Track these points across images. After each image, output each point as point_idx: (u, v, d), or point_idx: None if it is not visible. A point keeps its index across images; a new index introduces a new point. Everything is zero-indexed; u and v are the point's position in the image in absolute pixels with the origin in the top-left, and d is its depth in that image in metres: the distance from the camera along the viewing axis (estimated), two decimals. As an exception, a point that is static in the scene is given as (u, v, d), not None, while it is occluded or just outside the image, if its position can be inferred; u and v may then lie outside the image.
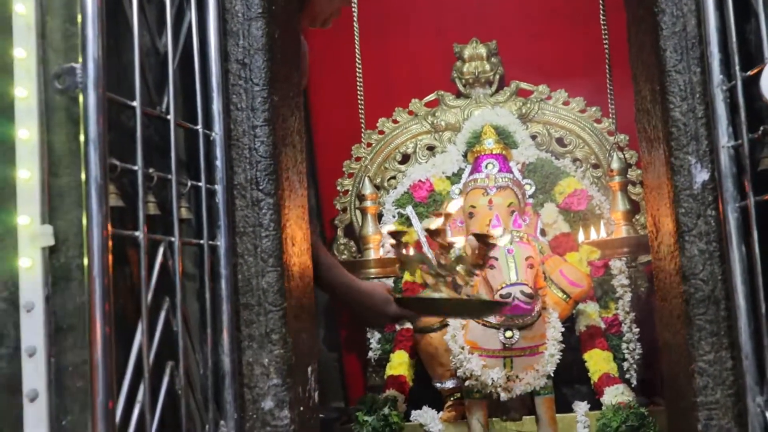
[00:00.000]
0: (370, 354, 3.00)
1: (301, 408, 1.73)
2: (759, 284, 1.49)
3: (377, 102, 3.17)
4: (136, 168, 1.41)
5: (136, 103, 1.42)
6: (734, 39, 1.53)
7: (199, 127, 1.62)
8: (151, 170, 1.46)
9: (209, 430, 1.56)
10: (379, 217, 3.06)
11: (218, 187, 1.65)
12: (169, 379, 1.47)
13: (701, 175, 1.60)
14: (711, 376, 1.59)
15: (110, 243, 1.27)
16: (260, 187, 1.69)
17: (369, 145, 3.17)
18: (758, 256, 1.48)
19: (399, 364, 2.86)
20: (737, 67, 1.52)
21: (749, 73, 1.47)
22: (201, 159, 1.61)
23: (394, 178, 3.13)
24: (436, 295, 2.04)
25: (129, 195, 1.44)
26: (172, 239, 1.50)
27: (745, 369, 1.52)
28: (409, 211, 2.95)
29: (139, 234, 1.40)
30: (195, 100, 1.63)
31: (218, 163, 1.65)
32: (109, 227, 1.27)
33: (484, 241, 2.07)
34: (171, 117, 1.52)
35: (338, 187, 3.15)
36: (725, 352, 1.58)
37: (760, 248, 1.49)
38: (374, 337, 3.00)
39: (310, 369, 1.81)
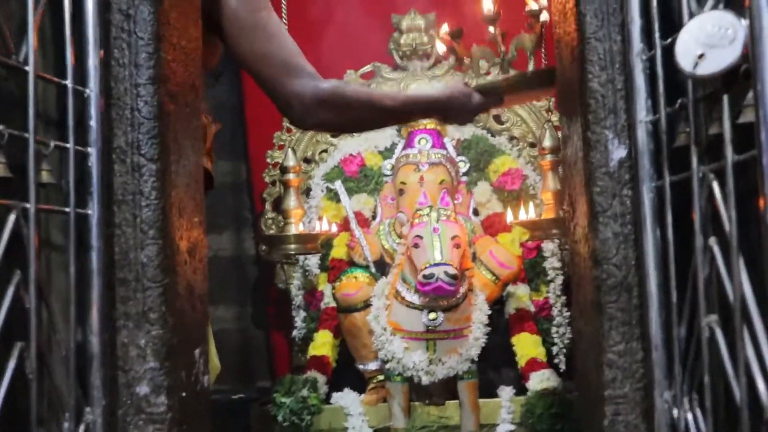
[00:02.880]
0: (295, 333, 2.85)
1: (183, 394, 1.54)
2: (671, 271, 1.33)
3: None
4: (-21, 124, 1.21)
5: (-18, 51, 1.22)
6: (654, 4, 1.37)
7: (68, 82, 1.42)
8: (1, 127, 1.26)
9: (69, 417, 1.38)
10: (308, 191, 2.89)
11: (92, 150, 1.46)
12: (17, 361, 1.28)
13: (618, 152, 1.44)
14: (620, 368, 1.44)
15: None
16: (142, 152, 1.49)
17: (301, 116, 2.98)
18: (671, 240, 1.33)
19: (322, 344, 2.71)
20: (657, 35, 1.36)
21: (668, 41, 1.31)
22: (69, 118, 1.42)
23: (325, 151, 2.96)
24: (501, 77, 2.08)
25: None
26: (27, 205, 1.31)
27: (654, 362, 1.37)
28: (338, 185, 2.78)
29: (-19, 198, 1.21)
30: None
31: (92, 123, 1.46)
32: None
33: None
34: (30, 68, 1.32)
35: (268, 160, 2.97)
36: (636, 343, 1.43)
37: (676, 232, 1.34)
38: (299, 316, 2.84)
39: (198, 352, 1.63)
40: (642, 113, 1.39)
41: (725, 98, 1.17)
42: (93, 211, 1.45)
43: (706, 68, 1.13)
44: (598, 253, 1.45)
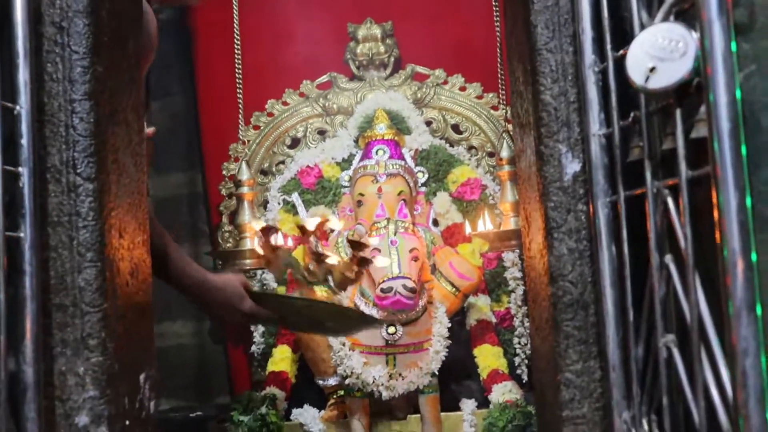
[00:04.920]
0: (254, 348, 2.77)
1: (127, 422, 1.46)
2: (627, 288, 1.29)
3: (267, 82, 2.90)
4: None
5: None
6: (606, 15, 1.32)
7: (-4, 98, 1.33)
8: None
9: (1, 453, 1.29)
10: (265, 203, 2.82)
11: (23, 170, 1.37)
12: (-59, 396, 1.19)
13: (572, 166, 1.39)
14: (578, 387, 1.39)
15: None
16: (78, 171, 1.41)
17: (257, 128, 2.91)
18: (627, 257, 1.28)
19: (281, 359, 2.64)
20: (608, 47, 1.31)
21: (620, 53, 1.26)
22: (-2, 136, 1.33)
23: (282, 163, 2.89)
24: (297, 294, 1.78)
25: None
26: (-50, 230, 1.22)
27: (612, 382, 1.32)
28: (295, 198, 2.71)
29: None
30: (-4, 67, 1.34)
31: (23, 141, 1.37)
32: None
33: (358, 247, 1.83)
34: (-48, 85, 1.24)
35: (224, 172, 2.89)
36: (594, 362, 1.38)
37: (631, 249, 1.29)
38: (258, 331, 2.76)
39: (143, 377, 1.55)
40: (595, 126, 1.34)
41: (678, 112, 1.12)
42: (25, 233, 1.36)
43: (658, 82, 1.09)
44: (554, 269, 1.40)
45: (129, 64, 1.57)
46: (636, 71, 1.11)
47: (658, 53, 1.08)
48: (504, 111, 2.85)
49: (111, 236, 1.46)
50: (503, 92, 2.79)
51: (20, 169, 1.37)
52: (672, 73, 1.07)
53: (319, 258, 1.82)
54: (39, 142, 1.40)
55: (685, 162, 1.12)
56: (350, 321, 1.91)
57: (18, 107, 1.37)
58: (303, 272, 1.81)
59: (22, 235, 1.36)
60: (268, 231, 1.92)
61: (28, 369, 1.35)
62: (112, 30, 1.50)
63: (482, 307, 2.67)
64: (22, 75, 1.38)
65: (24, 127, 1.37)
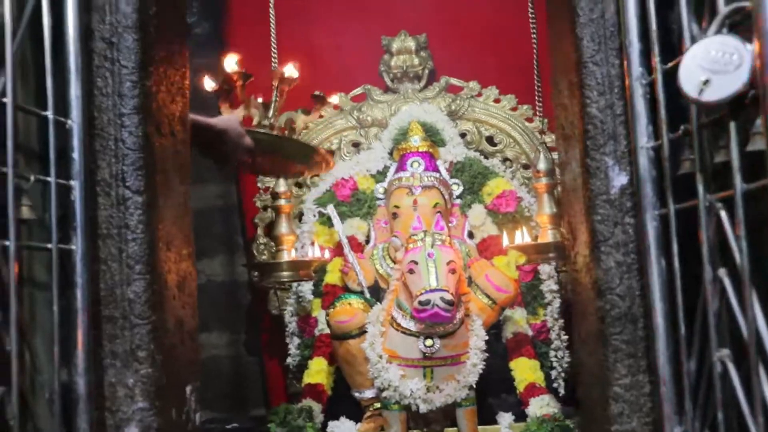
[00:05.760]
0: (289, 360, 2.77)
1: (174, 434, 1.48)
2: (679, 302, 1.28)
3: (302, 95, 2.92)
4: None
5: (-43, 83, 1.16)
6: (654, 27, 1.32)
7: (49, 113, 1.35)
8: (-22, 162, 1.20)
9: (54, 464, 1.31)
10: (300, 216, 2.83)
11: (75, 183, 1.39)
12: (-3, 408, 1.21)
13: (619, 179, 1.39)
14: (627, 402, 1.38)
15: None
16: (127, 184, 1.44)
17: (292, 140, 2.93)
18: (678, 270, 1.27)
19: (317, 371, 2.63)
20: (657, 59, 1.31)
21: (669, 65, 1.26)
22: (51, 150, 1.35)
23: (316, 175, 2.89)
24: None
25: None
26: (7, 243, 1.24)
27: (663, 396, 1.31)
28: (330, 210, 2.71)
29: (-43, 238, 1.14)
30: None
31: (75, 155, 1.39)
32: None
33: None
34: (9, 100, 1.26)
35: (259, 184, 2.91)
36: (642, 376, 1.37)
37: (682, 262, 1.28)
38: (293, 343, 2.77)
39: (189, 389, 1.56)
40: (643, 139, 1.34)
41: (732, 125, 1.11)
42: (77, 246, 1.39)
43: (712, 94, 1.08)
44: (601, 283, 1.40)
45: (175, 79, 1.60)
46: (689, 84, 1.10)
47: (712, 66, 1.08)
48: (540, 123, 2.84)
49: (159, 249, 1.48)
50: (539, 104, 2.78)
51: (72, 182, 1.39)
52: (727, 85, 1.07)
53: None
54: (89, 155, 1.42)
55: (740, 174, 1.11)
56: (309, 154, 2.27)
57: (70, 121, 1.40)
58: None
59: (73, 247, 1.39)
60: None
61: (80, 380, 1.37)
62: (159, 45, 1.53)
63: (518, 319, 2.65)
64: (74, 90, 1.41)
65: (76, 141, 1.40)
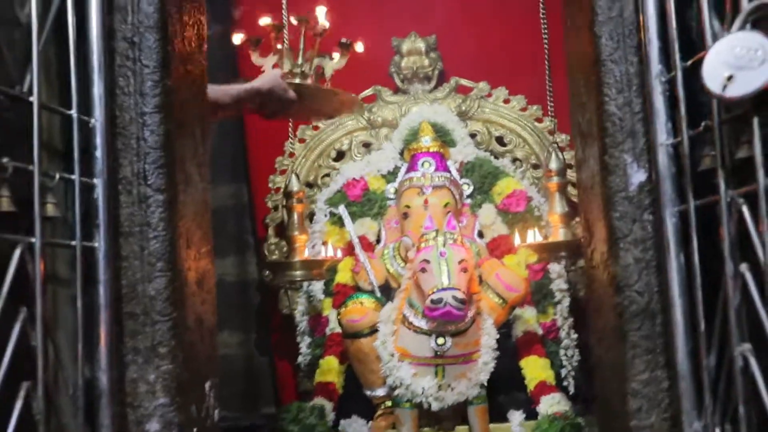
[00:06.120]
0: (300, 359, 2.77)
1: (195, 430, 1.48)
2: (698, 298, 1.28)
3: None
4: (-17, 157, 1.15)
5: (-15, 81, 1.16)
6: (674, 25, 1.32)
7: (73, 112, 1.36)
8: (5, 159, 1.20)
9: (78, 459, 1.31)
10: (311, 216, 2.83)
11: (97, 181, 1.40)
12: (23, 402, 1.21)
13: (638, 176, 1.39)
14: (645, 397, 1.38)
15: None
16: (148, 182, 1.44)
17: (302, 141, 2.94)
18: (697, 266, 1.28)
19: (328, 370, 2.64)
20: (677, 57, 1.31)
21: (689, 62, 1.26)
22: (75, 148, 1.36)
23: (327, 175, 2.90)
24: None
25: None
26: (33, 240, 1.24)
27: (682, 392, 1.31)
28: (342, 210, 2.71)
29: (-16, 234, 1.15)
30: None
31: (98, 153, 1.40)
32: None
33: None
34: (34, 99, 1.26)
35: (270, 185, 2.91)
36: (661, 372, 1.37)
37: (701, 258, 1.29)
38: (304, 342, 2.77)
39: (208, 385, 1.57)
40: (662, 136, 1.34)
41: (755, 120, 1.12)
42: (100, 243, 1.39)
43: (736, 90, 1.09)
44: (620, 279, 1.40)
45: (195, 78, 1.60)
46: (713, 80, 1.11)
47: (736, 62, 1.08)
48: (550, 123, 2.84)
49: (179, 246, 1.48)
50: (551, 105, 2.79)
51: (95, 180, 1.40)
52: (750, 81, 1.07)
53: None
54: (112, 154, 1.43)
55: (763, 170, 1.12)
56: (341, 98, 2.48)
57: (93, 120, 1.40)
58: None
59: (96, 245, 1.39)
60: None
61: (102, 376, 1.38)
62: (180, 45, 1.53)
63: (528, 318, 2.66)
64: (97, 89, 1.41)
65: (99, 140, 1.41)
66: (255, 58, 2.43)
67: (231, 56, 2.96)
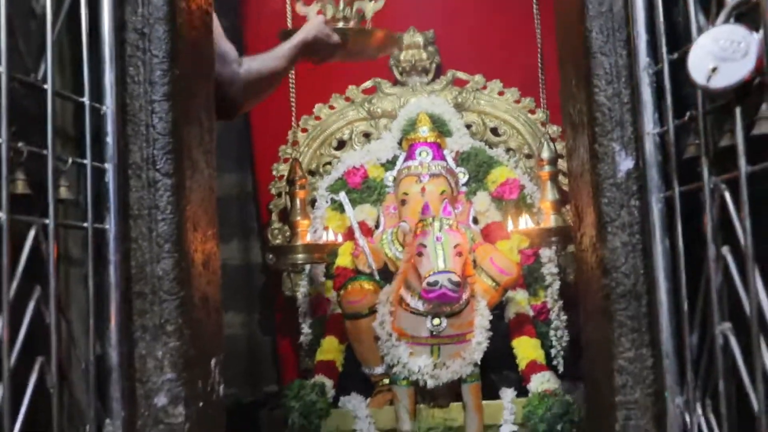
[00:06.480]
0: (302, 338, 2.78)
1: (201, 404, 1.49)
2: (682, 280, 1.29)
3: (315, 87, 2.93)
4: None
5: (1, 69, 1.16)
6: (661, 19, 1.32)
7: (86, 99, 1.36)
8: (20, 144, 1.20)
9: (90, 430, 1.32)
10: (313, 202, 2.84)
11: (108, 166, 1.40)
12: (38, 376, 1.22)
13: (625, 163, 1.40)
14: (631, 374, 1.39)
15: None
16: (157, 167, 1.44)
17: (305, 130, 2.94)
18: (681, 249, 1.28)
19: (329, 349, 2.64)
20: (664, 50, 1.31)
21: (676, 55, 1.26)
22: (87, 134, 1.36)
23: (329, 163, 2.90)
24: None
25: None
26: (46, 221, 1.25)
27: (665, 368, 1.32)
28: (342, 197, 2.72)
29: (1, 215, 1.15)
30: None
31: (109, 139, 1.40)
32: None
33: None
34: (48, 86, 1.26)
35: (273, 172, 2.91)
36: (646, 350, 1.38)
37: (685, 241, 1.29)
38: (306, 322, 2.78)
39: (213, 362, 1.57)
40: (649, 125, 1.34)
41: (738, 110, 1.12)
42: (110, 225, 1.40)
43: (720, 81, 1.09)
44: (607, 261, 1.41)
45: (202, 68, 1.60)
46: (698, 71, 1.11)
47: (720, 54, 1.08)
48: (542, 114, 2.84)
49: (186, 229, 1.49)
50: (543, 97, 2.79)
51: (106, 165, 1.40)
52: (734, 72, 1.07)
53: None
54: (122, 140, 1.43)
55: (744, 157, 1.12)
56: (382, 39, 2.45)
57: (104, 107, 1.40)
58: None
59: (107, 227, 1.39)
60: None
61: (112, 353, 1.38)
62: (188, 36, 1.53)
63: (520, 300, 2.67)
64: (108, 77, 1.41)
65: (110, 126, 1.41)
66: (299, 7, 2.47)
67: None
